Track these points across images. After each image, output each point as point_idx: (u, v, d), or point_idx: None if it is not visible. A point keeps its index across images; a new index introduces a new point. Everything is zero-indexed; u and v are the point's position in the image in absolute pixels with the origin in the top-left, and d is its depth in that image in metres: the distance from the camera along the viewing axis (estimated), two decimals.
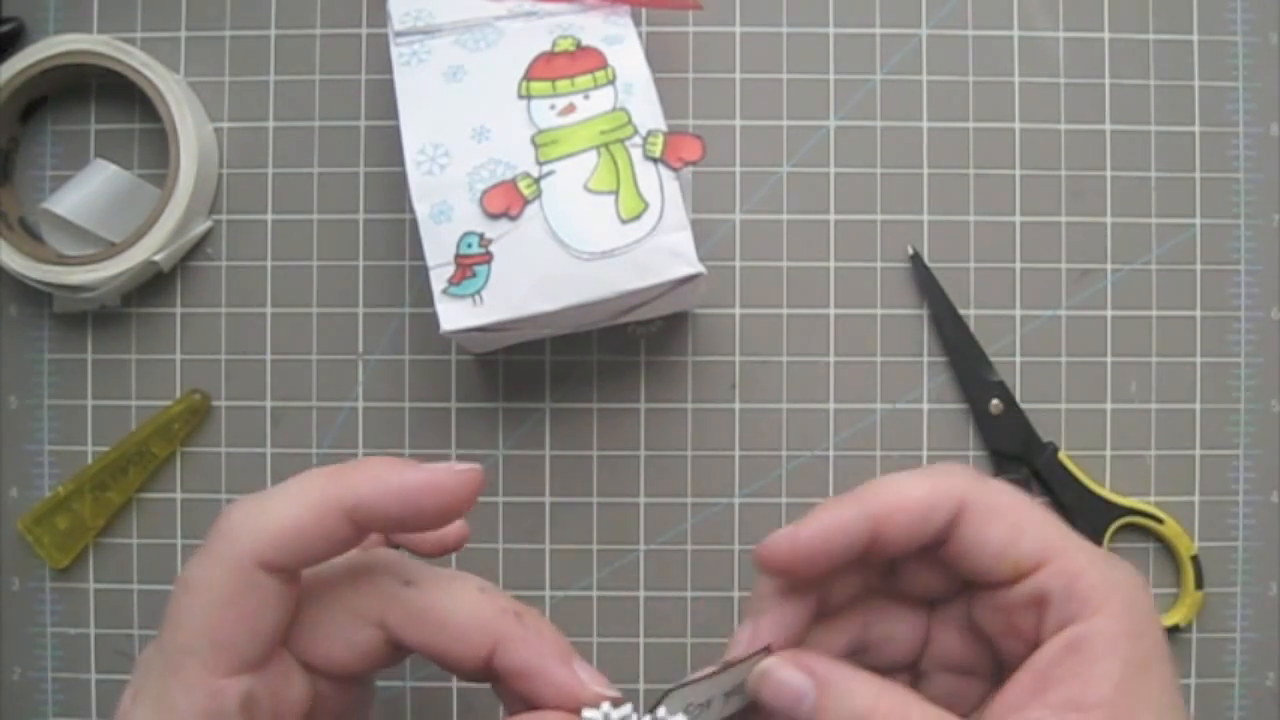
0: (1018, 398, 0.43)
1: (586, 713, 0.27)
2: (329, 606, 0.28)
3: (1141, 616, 0.28)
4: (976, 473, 0.30)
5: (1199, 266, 0.44)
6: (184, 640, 0.25)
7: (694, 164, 0.37)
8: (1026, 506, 0.29)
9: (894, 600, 0.32)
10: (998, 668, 0.31)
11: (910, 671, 0.32)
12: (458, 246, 0.36)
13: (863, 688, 0.28)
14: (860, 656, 0.32)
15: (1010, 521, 0.29)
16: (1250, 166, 0.44)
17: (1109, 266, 0.44)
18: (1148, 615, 0.28)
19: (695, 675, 0.29)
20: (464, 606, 0.28)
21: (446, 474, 0.27)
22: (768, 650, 0.29)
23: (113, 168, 0.42)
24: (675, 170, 0.37)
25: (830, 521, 0.29)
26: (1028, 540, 0.29)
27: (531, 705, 0.28)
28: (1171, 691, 0.27)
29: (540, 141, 0.37)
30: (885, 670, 0.31)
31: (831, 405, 0.43)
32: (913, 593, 0.32)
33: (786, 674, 0.28)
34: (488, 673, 0.29)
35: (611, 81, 0.38)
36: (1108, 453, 0.43)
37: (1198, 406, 0.43)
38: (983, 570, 0.29)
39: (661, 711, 0.28)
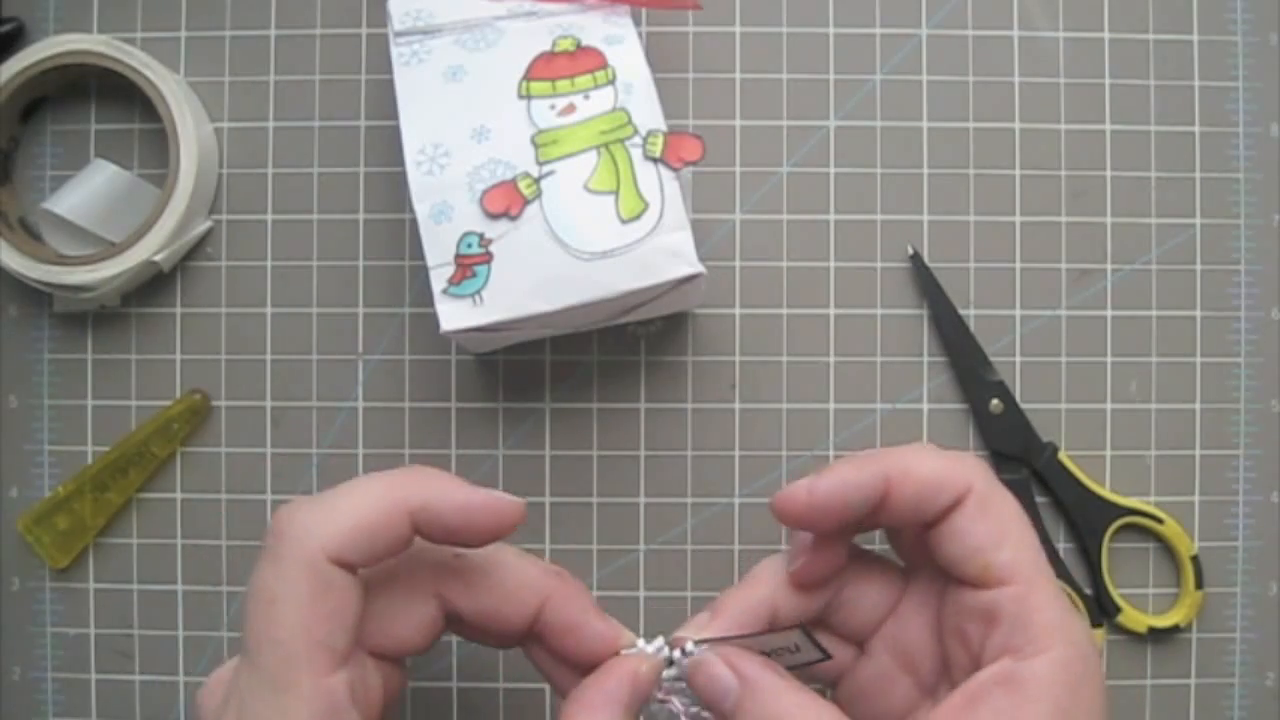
0: (1018, 398, 0.43)
1: (625, 652, 0.31)
2: (390, 590, 0.30)
3: (1080, 672, 0.28)
4: (990, 470, 0.31)
5: (1199, 266, 0.44)
6: (285, 653, 0.26)
7: (694, 164, 0.37)
8: (1020, 521, 0.30)
9: (875, 568, 0.33)
10: (935, 681, 0.32)
11: (858, 647, 0.33)
12: (458, 246, 0.36)
13: (785, 696, 0.29)
14: (826, 615, 0.33)
15: (1000, 527, 0.29)
16: (1250, 166, 0.44)
17: (1109, 266, 0.44)
18: (1088, 673, 0.28)
19: (723, 635, 0.31)
20: (513, 570, 0.31)
21: (500, 500, 0.29)
22: (799, 627, 0.30)
23: (113, 168, 0.42)
24: (675, 170, 0.37)
25: (848, 477, 0.30)
26: (1006, 552, 0.29)
27: (569, 659, 0.31)
28: None
29: (540, 141, 0.37)
30: (838, 637, 0.33)
31: (831, 405, 0.43)
32: (908, 557, 0.33)
33: (716, 670, 0.30)
34: (528, 633, 0.31)
35: (611, 81, 0.38)
36: (1108, 453, 0.43)
37: (1198, 406, 0.43)
38: (955, 561, 0.30)
39: (689, 645, 0.31)
